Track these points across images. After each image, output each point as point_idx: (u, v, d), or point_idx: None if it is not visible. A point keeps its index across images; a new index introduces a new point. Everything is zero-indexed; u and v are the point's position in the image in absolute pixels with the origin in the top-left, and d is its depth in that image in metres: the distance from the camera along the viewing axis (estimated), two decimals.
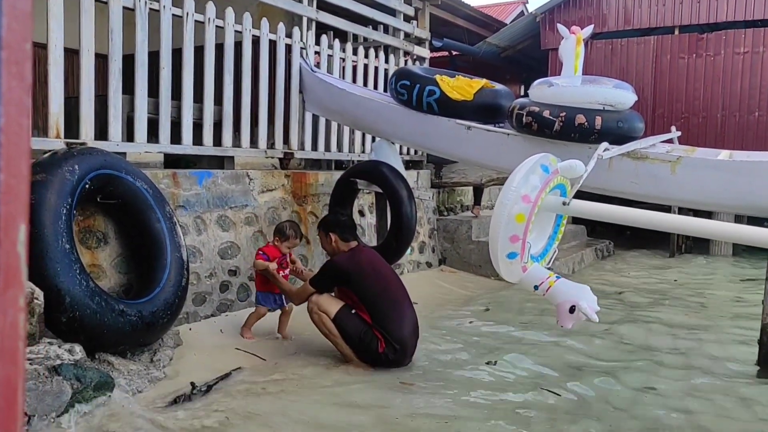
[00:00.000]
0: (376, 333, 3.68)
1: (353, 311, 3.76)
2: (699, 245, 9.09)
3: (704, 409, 3.32)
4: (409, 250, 5.96)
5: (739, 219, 7.35)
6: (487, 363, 3.91)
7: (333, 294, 3.90)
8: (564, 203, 2.98)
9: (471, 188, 8.15)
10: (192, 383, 3.31)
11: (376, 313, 3.73)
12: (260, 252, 4.28)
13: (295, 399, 3.22)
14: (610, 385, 3.63)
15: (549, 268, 3.09)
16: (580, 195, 3.18)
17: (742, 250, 9.07)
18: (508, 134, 4.60)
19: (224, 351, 3.91)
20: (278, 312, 4.33)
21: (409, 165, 7.51)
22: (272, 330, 4.33)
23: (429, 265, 7.07)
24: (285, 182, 5.48)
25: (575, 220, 8.56)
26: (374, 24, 7.07)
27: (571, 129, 4.13)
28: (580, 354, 4.22)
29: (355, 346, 3.71)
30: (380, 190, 5.51)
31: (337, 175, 5.75)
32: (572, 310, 2.76)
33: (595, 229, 9.35)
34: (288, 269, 4.36)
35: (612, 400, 3.41)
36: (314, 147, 6.23)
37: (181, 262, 3.85)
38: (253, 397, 3.23)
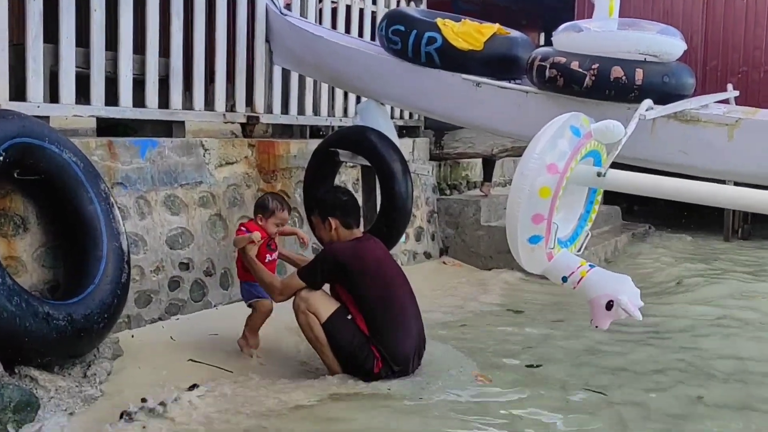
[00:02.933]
0: (373, 349, 3.65)
1: (350, 317, 3.72)
2: (760, 228, 9.12)
3: None
4: (403, 238, 5.93)
5: None
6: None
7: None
8: (599, 174, 2.98)
9: (479, 161, 8.14)
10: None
11: (375, 324, 3.70)
12: (242, 227, 4.23)
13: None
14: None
15: (580, 256, 3.09)
16: (615, 168, 3.17)
17: None
18: (527, 92, 4.60)
19: (176, 363, 3.89)
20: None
21: (403, 132, 7.49)
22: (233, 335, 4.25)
23: (428, 256, 7.07)
24: (249, 153, 5.45)
25: (607, 200, 8.54)
26: None
27: (606, 84, 4.12)
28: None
29: (345, 360, 3.69)
30: (367, 163, 5.48)
31: (314, 144, 5.73)
32: (609, 306, 2.76)
33: (632, 209, 9.37)
34: (276, 254, 4.30)
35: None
36: (285, 110, 6.20)
37: (120, 253, 3.83)
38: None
